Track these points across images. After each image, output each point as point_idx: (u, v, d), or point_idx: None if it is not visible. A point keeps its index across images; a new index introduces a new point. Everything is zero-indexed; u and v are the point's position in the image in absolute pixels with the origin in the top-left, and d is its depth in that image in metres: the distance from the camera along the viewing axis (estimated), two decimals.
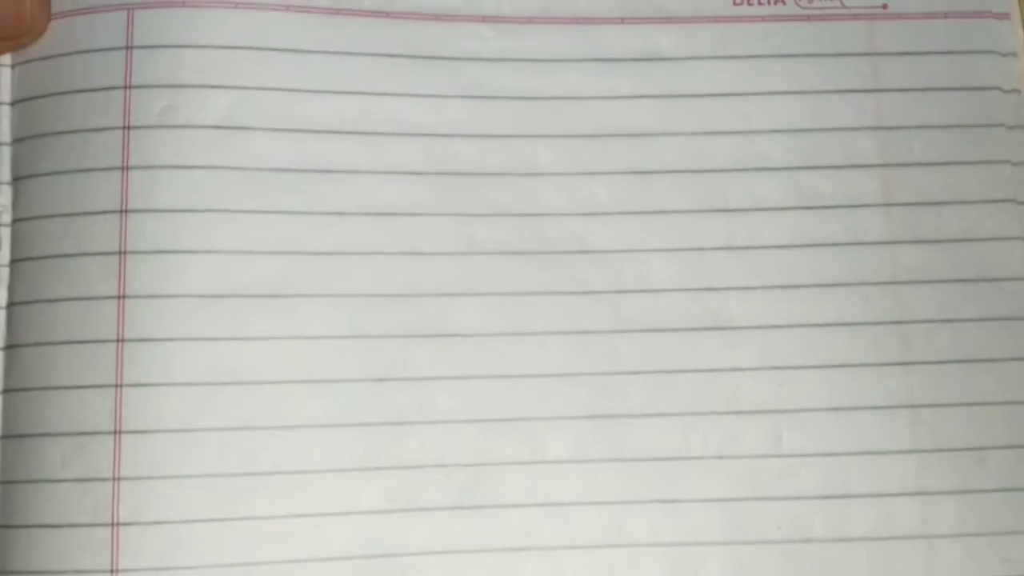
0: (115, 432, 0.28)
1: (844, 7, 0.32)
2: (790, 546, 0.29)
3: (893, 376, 0.30)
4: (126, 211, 0.29)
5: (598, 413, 0.30)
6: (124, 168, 0.29)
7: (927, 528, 0.29)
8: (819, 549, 0.29)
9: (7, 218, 0.29)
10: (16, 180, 0.29)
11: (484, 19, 0.31)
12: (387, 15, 0.31)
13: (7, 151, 0.30)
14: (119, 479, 0.28)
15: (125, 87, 0.29)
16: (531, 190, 0.30)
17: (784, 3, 0.32)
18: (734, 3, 0.32)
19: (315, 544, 0.28)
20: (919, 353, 0.30)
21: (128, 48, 0.29)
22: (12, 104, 0.30)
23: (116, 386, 0.28)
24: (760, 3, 0.32)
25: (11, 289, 0.29)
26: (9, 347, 0.29)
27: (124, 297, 0.28)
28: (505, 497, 0.29)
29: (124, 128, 0.29)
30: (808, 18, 0.32)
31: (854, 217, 0.31)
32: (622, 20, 0.32)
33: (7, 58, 0.30)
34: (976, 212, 0.31)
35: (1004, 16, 0.32)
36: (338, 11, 0.31)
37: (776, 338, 0.30)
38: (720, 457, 0.30)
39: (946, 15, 0.32)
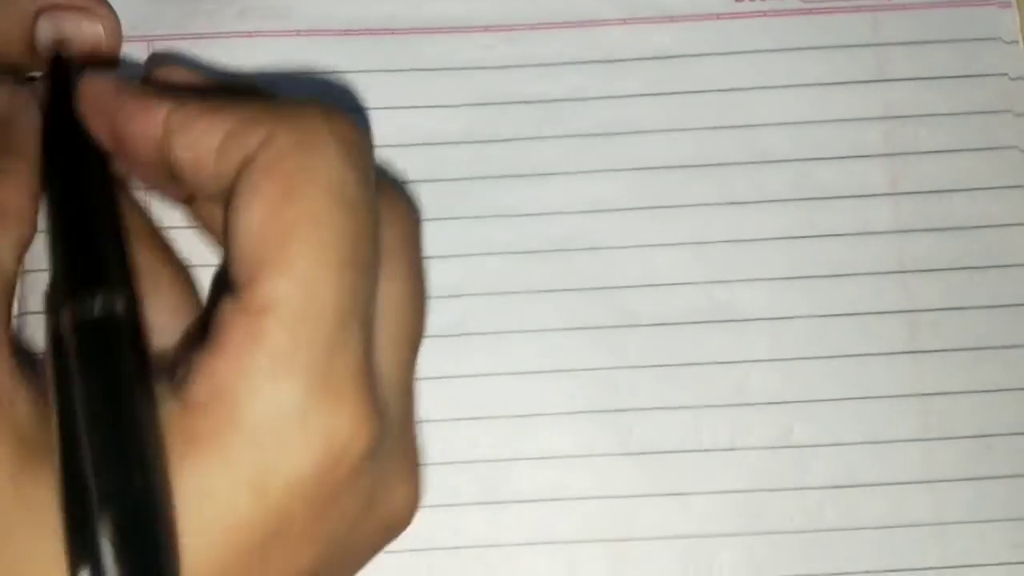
0: None
1: None
2: (801, 536, 0.30)
3: (902, 365, 0.30)
4: None
5: (606, 408, 0.30)
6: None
7: (938, 516, 0.30)
8: (830, 539, 0.30)
9: None
10: None
11: (487, 28, 0.32)
12: (393, 32, 0.32)
13: None
14: None
15: None
16: (536, 190, 0.31)
17: None
18: None
19: None
20: (928, 341, 0.30)
21: (147, 79, 0.31)
22: None
23: None
24: None
25: (22, 300, 0.30)
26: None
27: None
28: (514, 493, 0.30)
29: None
30: (811, 11, 0.32)
31: (862, 207, 0.31)
32: (624, 21, 0.32)
33: None
34: (984, 199, 0.31)
35: (1007, 5, 0.32)
36: (347, 32, 0.32)
37: (784, 329, 0.31)
38: (730, 449, 0.30)
39: (950, 3, 0.32)
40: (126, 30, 0.31)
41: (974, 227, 0.31)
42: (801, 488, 0.30)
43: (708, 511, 0.30)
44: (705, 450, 0.30)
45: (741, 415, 0.30)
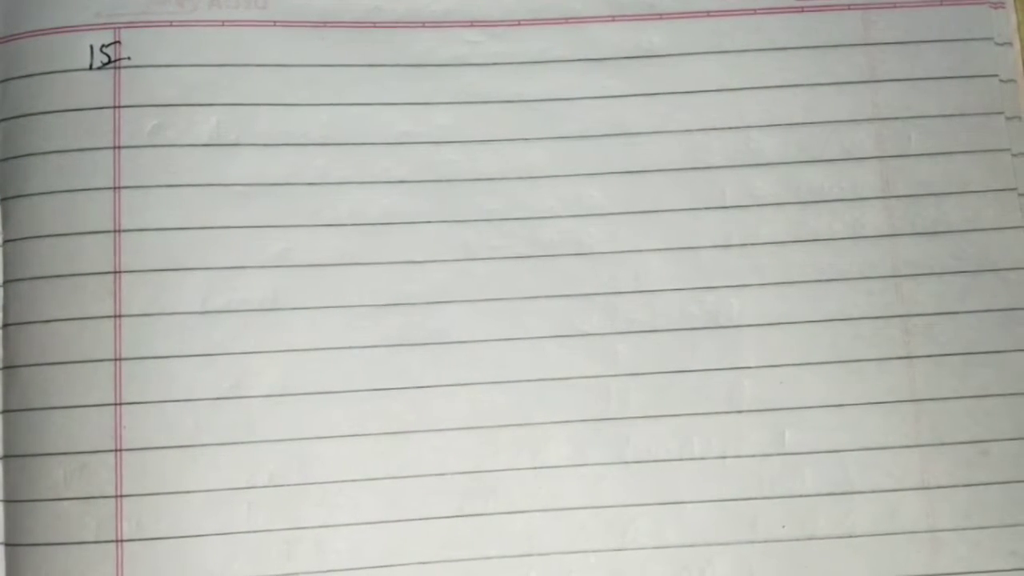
0: (116, 450, 0.28)
1: None
2: (795, 544, 0.29)
3: (895, 371, 0.30)
4: (119, 231, 0.29)
5: (598, 416, 0.29)
6: (116, 188, 0.29)
7: (932, 523, 0.29)
8: (824, 546, 0.29)
9: None
10: (3, 200, 0.30)
11: (472, 24, 0.31)
12: (374, 25, 0.31)
13: None
14: (122, 496, 0.28)
15: (114, 107, 0.29)
16: (523, 193, 0.30)
17: None
18: None
19: (317, 556, 0.28)
20: (921, 347, 0.30)
21: (117, 67, 0.29)
22: None
23: (115, 404, 0.28)
24: None
25: (5, 310, 0.29)
26: (6, 367, 0.29)
27: (120, 316, 0.29)
28: (507, 504, 0.29)
29: (115, 148, 0.29)
30: (802, 9, 0.32)
31: (853, 211, 0.31)
32: (612, 18, 0.31)
33: None
34: (976, 202, 0.31)
35: (999, 5, 0.32)
36: (325, 23, 0.30)
37: (776, 335, 0.30)
38: (722, 457, 0.29)
39: (941, 2, 0.31)
40: (91, 17, 0.30)
41: (967, 230, 0.31)
42: (794, 496, 0.29)
43: (701, 520, 0.29)
44: (697, 459, 0.29)
45: (733, 423, 0.30)
